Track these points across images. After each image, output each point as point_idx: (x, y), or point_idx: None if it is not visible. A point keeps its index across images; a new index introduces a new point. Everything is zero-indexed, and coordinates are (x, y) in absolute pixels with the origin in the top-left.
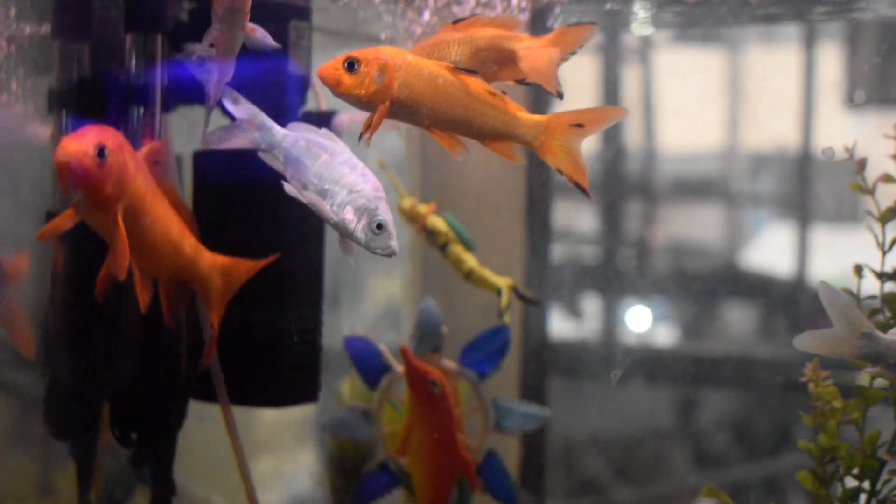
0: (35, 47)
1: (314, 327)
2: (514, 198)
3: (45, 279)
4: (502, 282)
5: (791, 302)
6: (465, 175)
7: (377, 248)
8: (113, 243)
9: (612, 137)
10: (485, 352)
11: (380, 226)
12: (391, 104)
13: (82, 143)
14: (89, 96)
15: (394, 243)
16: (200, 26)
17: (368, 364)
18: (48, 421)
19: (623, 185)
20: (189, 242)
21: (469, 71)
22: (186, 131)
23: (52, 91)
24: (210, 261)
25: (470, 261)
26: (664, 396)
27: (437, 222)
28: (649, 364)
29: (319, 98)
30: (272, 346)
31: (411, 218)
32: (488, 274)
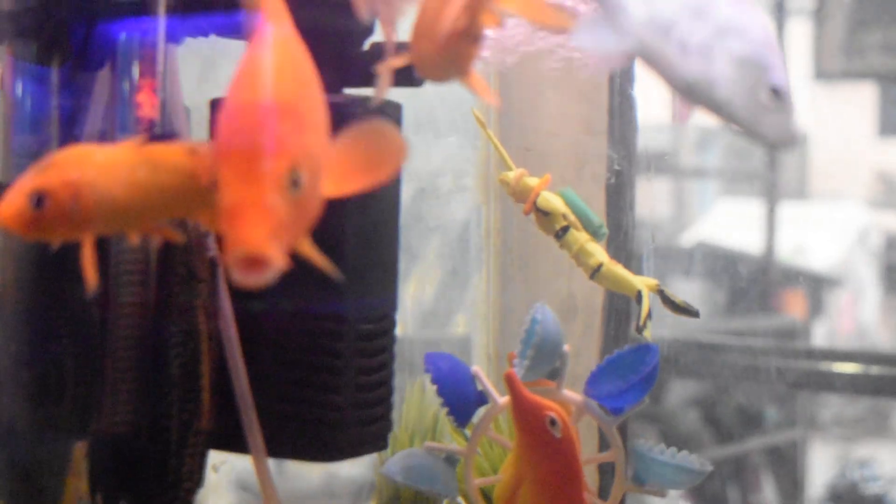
0: None
1: (385, 346)
2: (597, 164)
3: None
4: (643, 283)
5: (740, 276)
6: (552, 136)
7: (767, 131)
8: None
9: None
10: (623, 380)
11: (775, 91)
12: None
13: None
14: (51, 22)
15: (795, 124)
16: None
17: (457, 392)
18: None
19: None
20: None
21: None
22: (199, 72)
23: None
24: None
25: (598, 253)
26: None
27: (553, 200)
28: None
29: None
30: (327, 378)
31: (518, 194)
32: (624, 271)
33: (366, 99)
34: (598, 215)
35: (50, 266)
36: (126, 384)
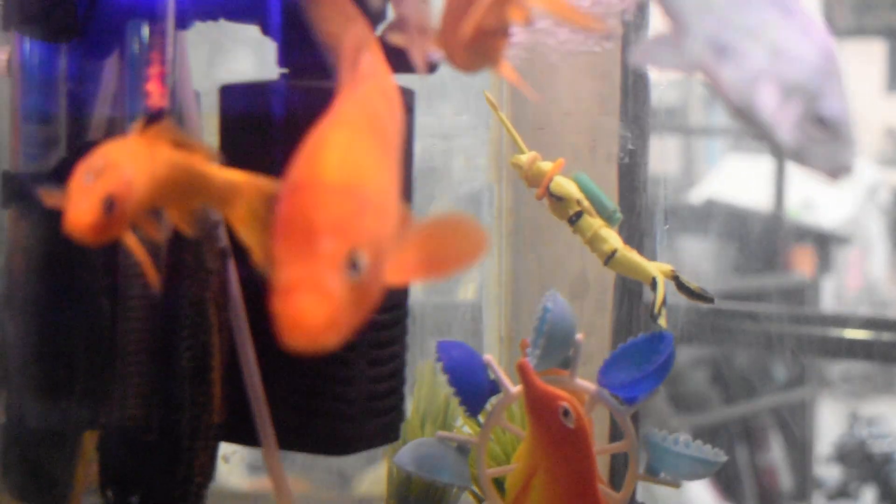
0: None
1: (397, 337)
2: (609, 141)
3: None
4: (658, 269)
5: (748, 233)
6: (566, 117)
7: (816, 162)
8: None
9: None
10: (637, 369)
11: (823, 121)
12: None
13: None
14: (60, 8)
15: (849, 155)
16: None
17: (469, 381)
18: (5, 479)
19: None
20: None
21: None
22: (207, 57)
23: (6, 2)
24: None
25: (612, 239)
26: None
27: (566, 185)
28: None
29: None
30: (338, 370)
31: (531, 178)
32: (638, 257)
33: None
34: (611, 195)
35: (60, 260)
36: (136, 377)
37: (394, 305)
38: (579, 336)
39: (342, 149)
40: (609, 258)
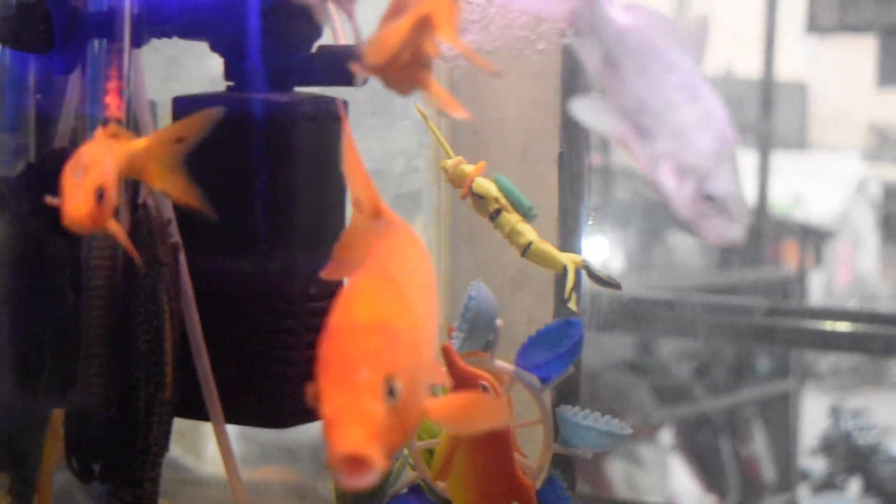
0: None
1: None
2: (549, 144)
3: None
4: (569, 259)
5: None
6: (502, 121)
7: (706, 232)
8: None
9: None
10: (550, 351)
11: (711, 198)
12: None
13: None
14: (33, 24)
15: (733, 230)
16: None
17: None
18: None
19: None
20: None
21: None
22: (163, 70)
23: None
24: None
25: (528, 233)
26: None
27: (487, 185)
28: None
29: (336, 32)
30: (280, 351)
31: (456, 180)
32: (551, 249)
33: (314, 97)
34: (551, 196)
35: (30, 257)
36: (98, 359)
37: (331, 293)
38: (499, 322)
39: (371, 293)
40: (525, 250)
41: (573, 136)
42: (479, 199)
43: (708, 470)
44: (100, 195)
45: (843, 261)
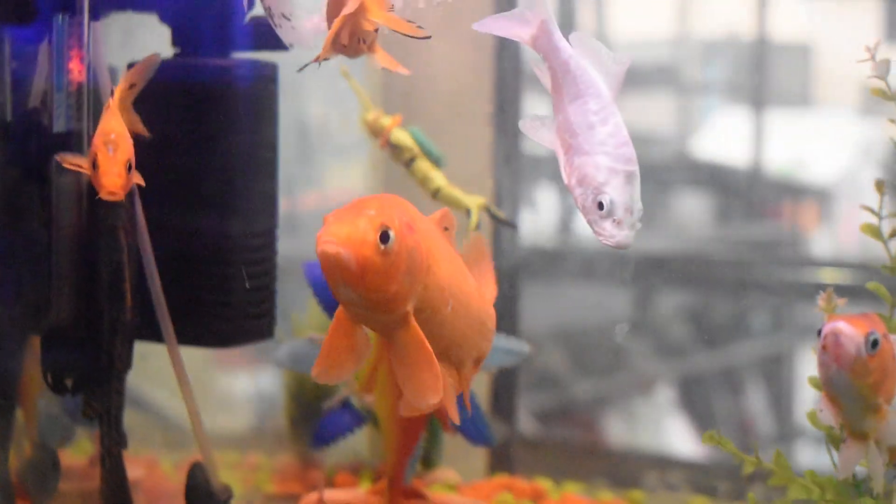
0: None
1: (268, 256)
2: (482, 103)
3: None
4: (472, 201)
5: (744, 188)
6: (432, 80)
7: (599, 235)
8: (409, 357)
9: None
10: None
11: (601, 205)
12: None
13: (358, 225)
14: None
15: (622, 234)
16: None
17: (329, 292)
18: None
19: None
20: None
21: None
22: (120, 42)
23: None
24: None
25: (438, 178)
26: (621, 291)
27: (402, 136)
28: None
29: None
30: (221, 281)
31: (374, 132)
32: (458, 192)
33: (249, 61)
34: (485, 152)
35: (8, 203)
36: (68, 288)
37: (264, 231)
38: None
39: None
40: (436, 193)
41: (507, 97)
42: (396, 148)
43: (704, 426)
44: (129, 167)
45: (847, 222)
